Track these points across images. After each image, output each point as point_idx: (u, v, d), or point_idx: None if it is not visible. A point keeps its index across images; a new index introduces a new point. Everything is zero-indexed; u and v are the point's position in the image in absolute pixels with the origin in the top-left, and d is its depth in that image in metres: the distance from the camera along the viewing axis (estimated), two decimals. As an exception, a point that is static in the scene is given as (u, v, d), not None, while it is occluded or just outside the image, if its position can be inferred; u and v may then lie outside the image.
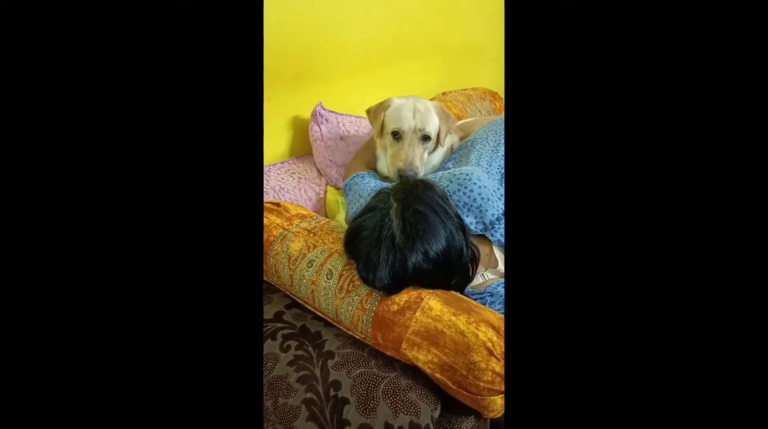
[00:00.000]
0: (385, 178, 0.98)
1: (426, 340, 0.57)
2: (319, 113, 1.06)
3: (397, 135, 0.95)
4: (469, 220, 0.77)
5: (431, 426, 0.54)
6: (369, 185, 0.93)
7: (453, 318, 0.57)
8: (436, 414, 0.55)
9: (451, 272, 0.64)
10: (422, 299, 0.60)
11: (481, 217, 0.77)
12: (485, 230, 0.77)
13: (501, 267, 0.79)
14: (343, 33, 1.15)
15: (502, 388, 0.54)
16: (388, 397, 0.55)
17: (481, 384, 0.53)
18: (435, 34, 1.47)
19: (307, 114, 1.09)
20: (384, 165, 0.99)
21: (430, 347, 0.56)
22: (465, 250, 0.65)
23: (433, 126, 0.97)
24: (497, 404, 0.56)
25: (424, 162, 0.98)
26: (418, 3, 1.34)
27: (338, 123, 1.10)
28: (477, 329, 0.55)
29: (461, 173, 0.82)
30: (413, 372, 0.59)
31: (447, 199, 0.68)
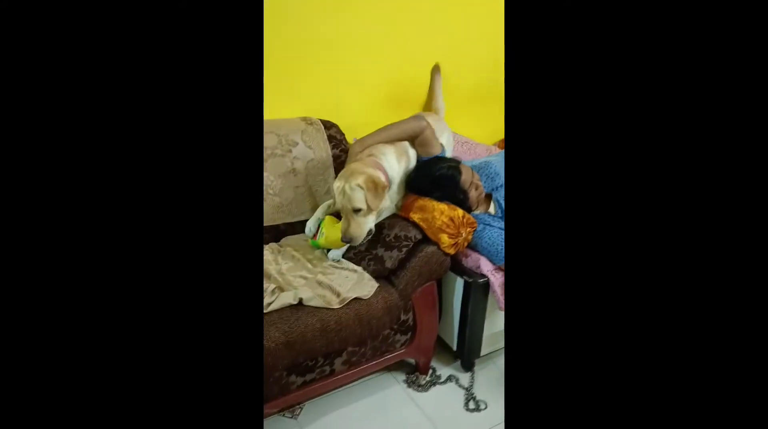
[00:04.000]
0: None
1: (420, 210, 1.42)
2: None
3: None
4: (485, 184, 1.56)
5: (417, 238, 1.37)
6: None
7: (433, 202, 1.41)
8: (420, 236, 1.39)
9: (445, 191, 1.46)
10: (421, 197, 1.45)
11: (491, 184, 1.58)
12: (493, 190, 1.59)
13: (491, 210, 1.59)
14: (452, 79, 2.02)
15: (448, 232, 1.37)
16: (402, 228, 1.40)
17: (436, 226, 1.36)
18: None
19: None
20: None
21: (421, 212, 1.41)
22: (455, 189, 1.46)
23: (360, 201, 1.28)
24: (444, 239, 1.38)
25: (361, 224, 1.32)
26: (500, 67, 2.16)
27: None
28: (439, 205, 1.39)
29: (486, 160, 1.65)
30: (413, 223, 1.43)
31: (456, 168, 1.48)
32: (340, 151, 1.70)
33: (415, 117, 1.51)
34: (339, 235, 1.36)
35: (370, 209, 1.32)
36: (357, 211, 1.30)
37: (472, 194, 1.48)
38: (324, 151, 1.66)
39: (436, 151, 1.55)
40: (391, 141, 1.50)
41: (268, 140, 1.57)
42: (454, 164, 1.47)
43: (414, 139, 1.51)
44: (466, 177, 1.46)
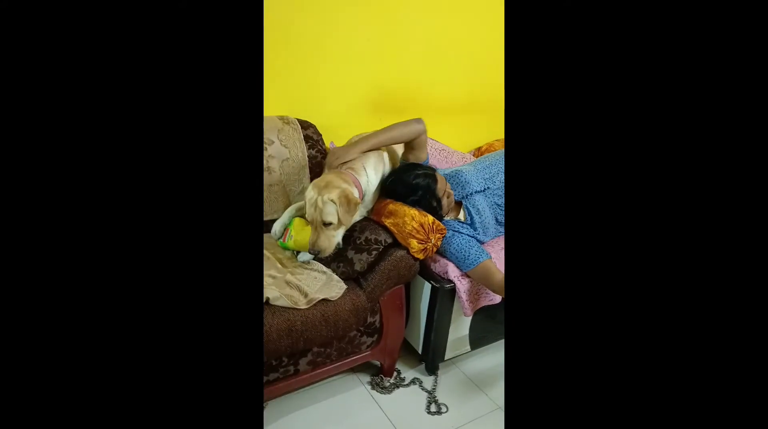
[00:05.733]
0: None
1: (392, 215, 1.44)
2: None
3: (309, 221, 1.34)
4: (456, 192, 1.59)
5: (387, 241, 1.39)
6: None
7: (404, 207, 1.43)
8: (390, 240, 1.41)
9: (422, 198, 1.49)
10: (393, 202, 1.48)
11: (462, 191, 1.61)
12: (464, 198, 1.61)
13: (461, 217, 1.62)
14: (433, 88, 2.08)
15: (417, 237, 1.39)
16: (372, 231, 1.42)
17: (406, 231, 1.39)
18: (498, 95, 2.27)
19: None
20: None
21: (392, 217, 1.43)
22: (431, 197, 1.49)
23: (332, 215, 1.29)
24: (414, 244, 1.40)
25: (330, 238, 1.32)
26: (492, 72, 2.20)
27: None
28: (410, 210, 1.41)
29: (457, 169, 1.67)
30: (383, 227, 1.45)
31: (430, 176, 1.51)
32: (317, 152, 1.70)
33: (417, 120, 1.50)
34: (307, 240, 1.36)
35: (340, 223, 1.33)
36: (327, 224, 1.31)
37: (444, 202, 1.51)
38: (300, 150, 1.67)
39: (424, 157, 1.58)
40: (393, 142, 1.51)
41: (244, 137, 1.56)
42: (431, 172, 1.50)
43: (412, 141, 1.52)
44: (441, 185, 1.49)
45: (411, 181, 1.46)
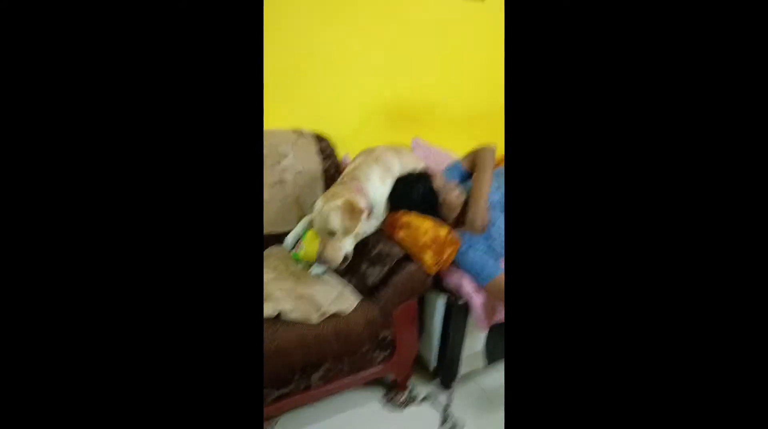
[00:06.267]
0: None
1: (405, 227, 1.43)
2: (416, 142, 1.97)
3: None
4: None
5: (400, 255, 1.38)
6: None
7: (418, 219, 1.42)
8: (402, 253, 1.40)
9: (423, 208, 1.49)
10: (406, 214, 1.46)
11: None
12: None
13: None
14: (448, 99, 2.08)
15: (431, 250, 1.37)
16: (385, 244, 1.41)
17: (420, 244, 1.37)
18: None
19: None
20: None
21: (405, 230, 1.42)
22: (432, 210, 1.49)
23: (335, 224, 1.30)
24: (428, 258, 1.39)
25: (336, 248, 1.32)
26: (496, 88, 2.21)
27: (426, 150, 1.97)
28: (424, 223, 1.40)
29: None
30: (397, 240, 1.44)
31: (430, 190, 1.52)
32: (330, 165, 1.71)
33: (488, 148, 1.60)
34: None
35: (345, 232, 1.33)
36: (331, 233, 1.31)
37: (452, 197, 1.50)
38: (314, 163, 1.68)
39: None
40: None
41: (258, 150, 1.58)
42: (424, 172, 1.54)
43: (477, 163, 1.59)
44: (439, 180, 1.51)
45: (407, 180, 1.50)
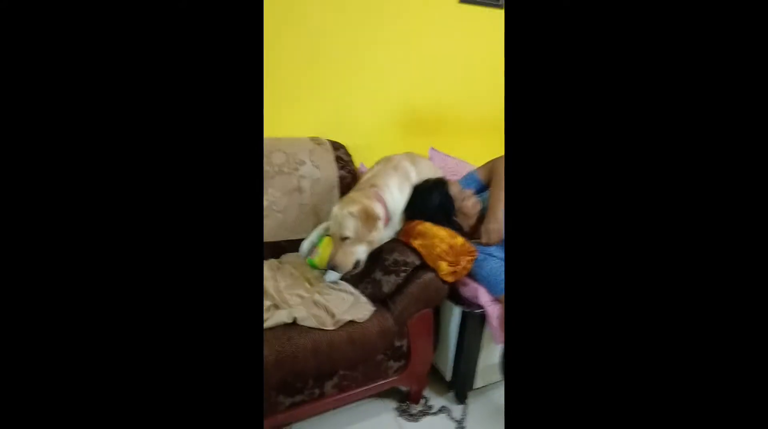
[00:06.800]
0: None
1: (420, 236, 1.42)
2: (432, 152, 1.98)
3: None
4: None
5: (415, 263, 1.37)
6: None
7: (434, 229, 1.41)
8: (418, 262, 1.38)
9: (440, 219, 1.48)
10: (422, 223, 1.46)
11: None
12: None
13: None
14: (464, 108, 2.08)
15: (447, 259, 1.36)
16: (401, 253, 1.40)
17: (435, 253, 1.36)
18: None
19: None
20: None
21: (421, 238, 1.41)
22: (448, 215, 1.49)
23: (349, 229, 1.30)
24: (443, 267, 1.37)
25: (348, 254, 1.32)
26: None
27: (442, 160, 1.98)
28: (439, 232, 1.39)
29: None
30: (412, 248, 1.43)
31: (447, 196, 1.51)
32: (347, 172, 1.72)
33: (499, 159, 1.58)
34: None
35: (359, 239, 1.32)
36: (345, 239, 1.30)
37: (468, 204, 1.51)
38: (331, 171, 1.69)
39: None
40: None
41: (276, 158, 1.59)
42: (441, 178, 1.54)
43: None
44: (455, 188, 1.51)
45: (424, 187, 1.50)
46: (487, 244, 1.48)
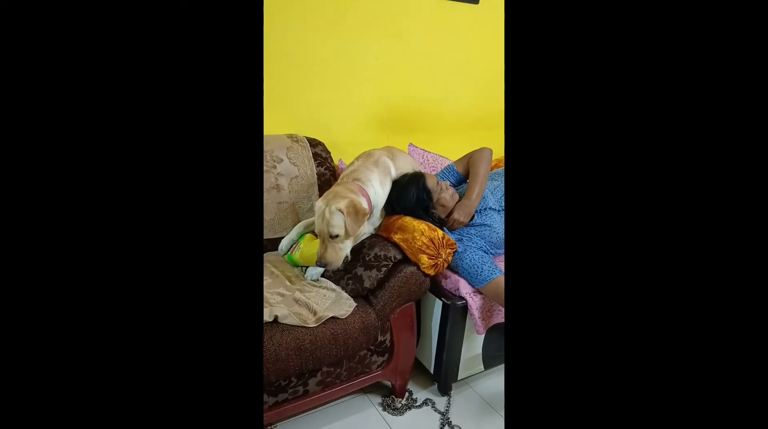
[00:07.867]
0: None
1: (401, 230, 1.42)
2: (411, 148, 1.98)
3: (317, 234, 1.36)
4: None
5: (396, 258, 1.37)
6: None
7: (414, 222, 1.42)
8: (399, 256, 1.39)
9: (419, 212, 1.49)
10: (401, 217, 1.46)
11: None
12: (477, 212, 1.59)
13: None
14: (441, 105, 2.09)
15: (428, 252, 1.37)
16: (382, 248, 1.41)
17: (416, 246, 1.37)
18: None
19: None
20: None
21: (401, 233, 1.42)
22: (426, 208, 1.50)
23: (338, 226, 1.28)
24: (424, 260, 1.38)
25: (338, 250, 1.31)
26: (499, 88, 2.23)
27: (421, 155, 1.99)
28: (419, 225, 1.40)
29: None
30: (393, 243, 1.44)
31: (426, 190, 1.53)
32: (325, 169, 1.71)
33: (488, 149, 1.63)
34: (314, 253, 1.35)
35: (347, 235, 1.32)
36: (334, 236, 1.30)
37: (447, 195, 1.53)
38: (309, 168, 1.67)
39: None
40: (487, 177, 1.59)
41: (253, 156, 1.57)
42: (418, 172, 1.56)
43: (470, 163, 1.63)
44: (431, 181, 1.53)
45: (402, 182, 1.51)
46: (457, 221, 1.53)
